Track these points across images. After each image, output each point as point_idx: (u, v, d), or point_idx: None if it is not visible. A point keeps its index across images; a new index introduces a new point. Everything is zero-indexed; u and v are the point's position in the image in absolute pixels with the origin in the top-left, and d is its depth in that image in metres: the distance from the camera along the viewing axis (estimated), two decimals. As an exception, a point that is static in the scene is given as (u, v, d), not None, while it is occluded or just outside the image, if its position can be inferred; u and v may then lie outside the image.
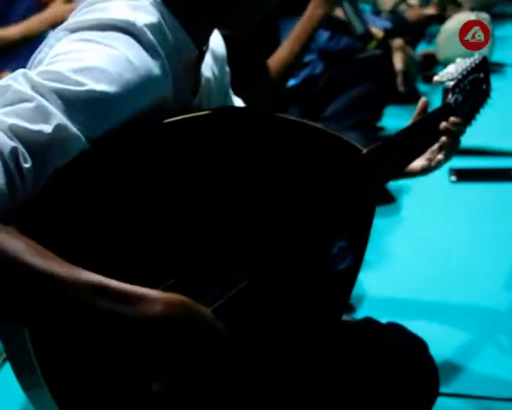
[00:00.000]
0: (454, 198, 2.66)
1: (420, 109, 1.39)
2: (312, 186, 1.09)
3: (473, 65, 1.52)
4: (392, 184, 2.67)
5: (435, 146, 1.37)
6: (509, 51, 4.55)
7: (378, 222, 2.40)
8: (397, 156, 1.27)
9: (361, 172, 1.17)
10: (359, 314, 1.87)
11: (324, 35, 3.01)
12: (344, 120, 2.88)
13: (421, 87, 3.92)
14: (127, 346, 0.79)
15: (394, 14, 4.78)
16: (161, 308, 0.79)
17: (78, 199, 0.83)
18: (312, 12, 2.06)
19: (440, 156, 1.37)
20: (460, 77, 1.46)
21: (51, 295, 0.75)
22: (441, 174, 2.76)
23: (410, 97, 3.51)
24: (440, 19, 3.97)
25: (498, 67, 4.23)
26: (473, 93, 1.51)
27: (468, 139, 2.89)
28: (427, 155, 1.38)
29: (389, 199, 2.64)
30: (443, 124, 1.36)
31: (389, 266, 2.20)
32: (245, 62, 2.02)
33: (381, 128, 3.32)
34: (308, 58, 2.96)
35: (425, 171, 1.39)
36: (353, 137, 2.64)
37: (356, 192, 1.17)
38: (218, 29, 1.09)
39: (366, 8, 5.05)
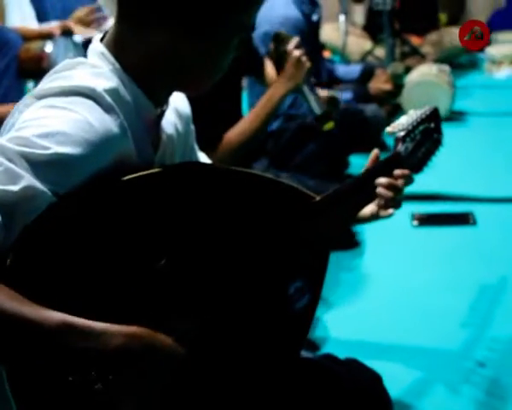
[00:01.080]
0: (415, 242, 2.71)
1: (372, 160, 1.45)
2: (268, 233, 1.14)
3: (423, 116, 1.58)
4: (357, 228, 2.74)
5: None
6: (470, 100, 4.69)
7: (342, 265, 2.49)
8: (348, 203, 1.32)
9: (313, 218, 1.22)
10: (323, 352, 1.92)
11: (286, 101, 3.17)
12: (311, 169, 2.99)
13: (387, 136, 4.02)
14: (94, 373, 0.86)
15: (362, 61, 4.95)
16: (122, 341, 0.86)
17: (44, 249, 0.90)
18: (273, 92, 2.19)
19: (389, 211, 1.43)
20: (410, 127, 1.52)
21: (20, 334, 0.83)
22: (403, 219, 2.84)
23: (376, 146, 3.61)
24: (396, 94, 4.13)
25: (460, 116, 4.35)
26: (423, 142, 1.56)
27: (430, 185, 3.02)
28: (376, 201, 1.42)
29: (353, 243, 2.72)
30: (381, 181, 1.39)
31: (352, 308, 2.25)
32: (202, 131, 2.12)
33: (349, 176, 3.41)
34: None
35: (375, 217, 1.44)
36: (320, 185, 2.75)
37: (309, 237, 1.22)
38: (176, 91, 1.16)
39: (335, 58, 5.21)
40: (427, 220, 2.86)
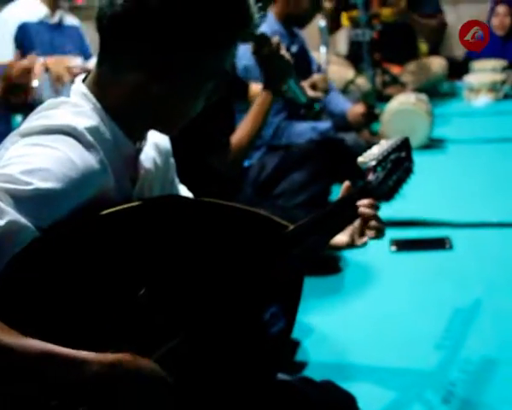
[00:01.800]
0: (393, 267, 2.75)
1: (344, 190, 1.51)
2: (243, 261, 1.20)
3: (394, 146, 1.64)
4: (337, 254, 2.78)
5: (357, 223, 1.47)
6: (449, 127, 4.76)
7: (322, 290, 2.54)
8: (320, 232, 1.37)
9: (285, 246, 1.28)
10: (302, 375, 1.95)
11: (268, 132, 3.26)
12: (293, 197, 3.05)
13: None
14: (74, 398, 0.91)
15: (344, 92, 5.03)
16: (102, 369, 0.90)
17: (27, 281, 0.94)
18: (262, 101, 2.31)
19: (367, 236, 1.47)
20: (381, 157, 1.57)
21: (1, 362, 0.86)
22: (382, 245, 2.88)
23: (358, 174, 3.66)
24: (371, 118, 4.23)
25: (438, 143, 4.40)
26: (394, 171, 1.62)
27: (408, 210, 3.08)
28: (350, 230, 1.48)
29: (335, 269, 2.77)
30: (360, 209, 1.45)
31: (332, 331, 2.29)
32: (210, 135, 2.22)
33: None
34: (259, 142, 3.17)
35: (350, 245, 1.49)
36: (301, 214, 2.80)
37: (283, 264, 1.27)
38: (153, 130, 1.22)
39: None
40: (404, 246, 2.91)
